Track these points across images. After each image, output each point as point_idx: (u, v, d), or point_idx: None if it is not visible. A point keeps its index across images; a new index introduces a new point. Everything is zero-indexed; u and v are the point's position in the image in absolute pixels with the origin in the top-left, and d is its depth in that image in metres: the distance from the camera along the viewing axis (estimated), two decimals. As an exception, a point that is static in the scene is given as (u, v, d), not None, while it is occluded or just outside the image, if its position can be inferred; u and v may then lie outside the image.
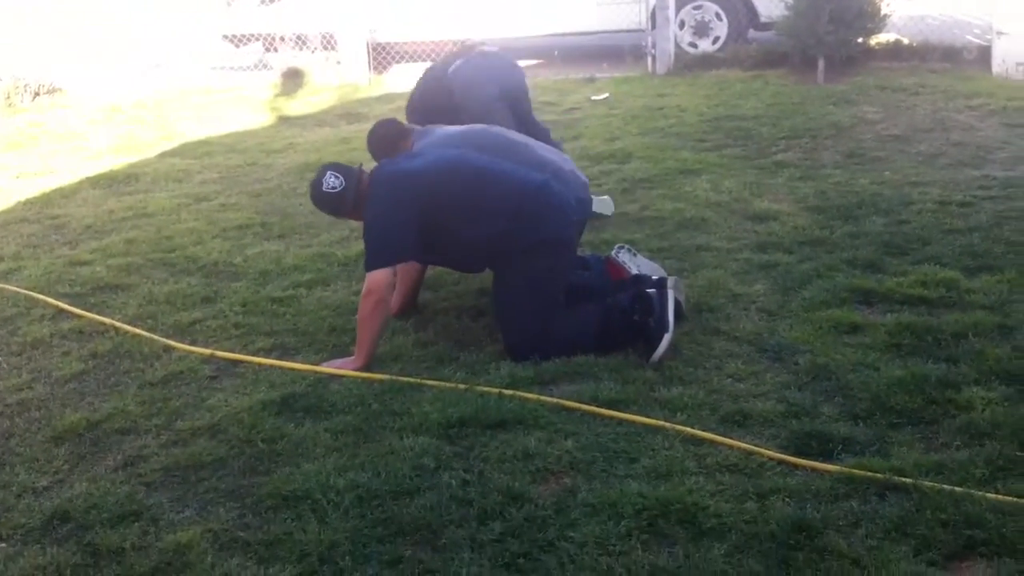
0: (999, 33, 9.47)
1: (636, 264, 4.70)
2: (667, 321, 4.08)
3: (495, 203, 4.25)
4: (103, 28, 12.05)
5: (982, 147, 7.02)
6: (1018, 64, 9.32)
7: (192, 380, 4.14)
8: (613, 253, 4.74)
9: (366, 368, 4.12)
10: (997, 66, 9.45)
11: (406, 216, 4.14)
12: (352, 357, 4.18)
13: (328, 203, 4.39)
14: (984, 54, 9.80)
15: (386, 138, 4.94)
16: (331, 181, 4.33)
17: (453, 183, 4.27)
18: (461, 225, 4.22)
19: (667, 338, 4.04)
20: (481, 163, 4.38)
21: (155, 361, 4.34)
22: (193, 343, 4.49)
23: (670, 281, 4.34)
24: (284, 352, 4.37)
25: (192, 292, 5.12)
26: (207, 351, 4.37)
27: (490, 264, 4.43)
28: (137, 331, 4.62)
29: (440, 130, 4.91)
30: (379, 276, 4.10)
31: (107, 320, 4.76)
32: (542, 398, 3.76)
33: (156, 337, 4.55)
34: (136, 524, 3.11)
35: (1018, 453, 3.21)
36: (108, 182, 7.56)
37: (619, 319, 4.19)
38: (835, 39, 9.57)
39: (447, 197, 4.22)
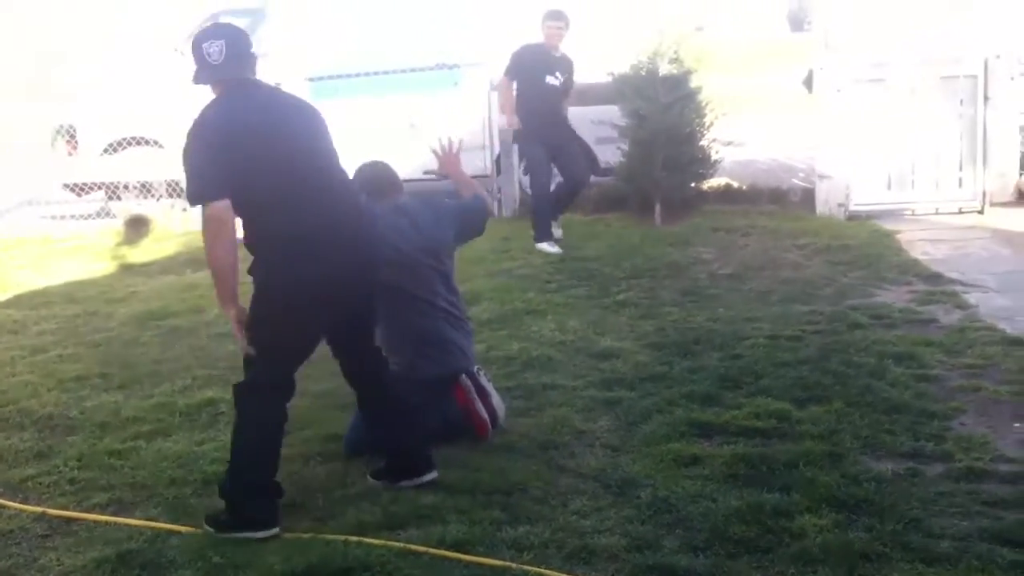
0: (821, 176, 10.08)
1: (489, 389, 4.84)
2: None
3: None
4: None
5: (809, 283, 7.40)
6: (839, 205, 9.92)
7: (23, 539, 3.99)
8: (474, 370, 4.86)
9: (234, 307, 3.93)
10: (821, 206, 10.03)
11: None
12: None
13: None
14: (808, 196, 10.39)
15: (375, 180, 4.81)
16: None
17: None
18: None
19: None
20: None
21: (-17, 521, 4.14)
22: (24, 501, 4.33)
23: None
24: (121, 507, 4.24)
25: (25, 447, 4.93)
26: (38, 509, 4.21)
27: None
28: (-32, 491, 4.42)
29: None
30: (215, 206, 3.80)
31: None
32: (389, 543, 3.74)
33: (-8, 498, 4.36)
34: None
35: (848, 577, 3.34)
36: (-63, 335, 7.27)
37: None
38: (669, 184, 10.00)
39: None
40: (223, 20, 12.42)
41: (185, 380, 5.83)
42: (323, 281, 3.92)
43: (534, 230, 9.05)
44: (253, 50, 4.07)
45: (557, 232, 9.20)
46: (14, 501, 4.32)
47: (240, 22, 12.55)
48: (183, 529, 3.97)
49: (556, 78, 9.09)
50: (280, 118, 4.02)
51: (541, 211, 9.10)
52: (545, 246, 8.85)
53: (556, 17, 9.11)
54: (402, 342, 4.73)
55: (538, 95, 9.09)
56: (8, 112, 12.02)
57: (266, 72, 11.98)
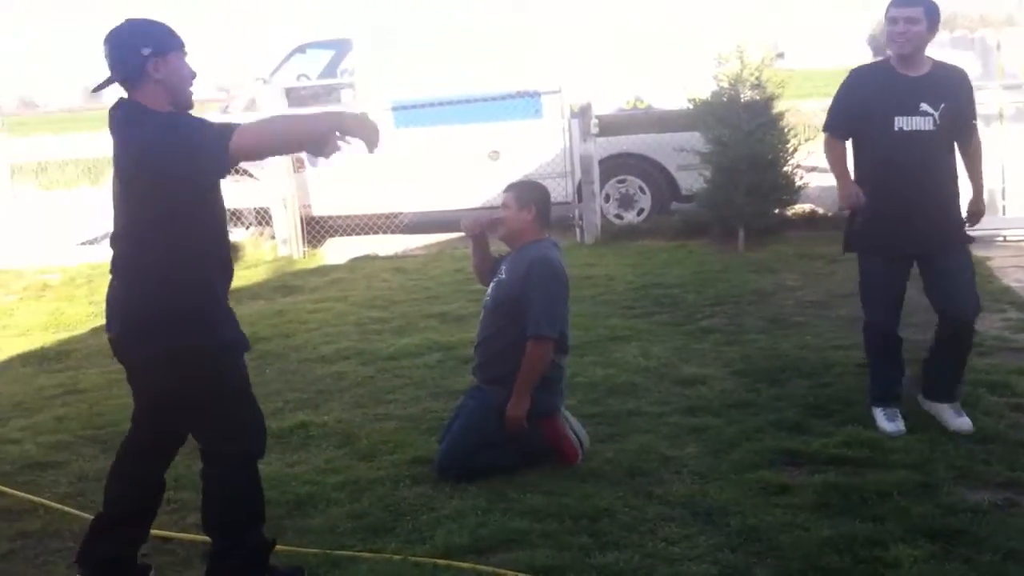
0: (906, 202, 9.93)
1: (569, 416, 4.96)
2: None
3: None
4: (33, 202, 12.08)
5: (898, 311, 7.27)
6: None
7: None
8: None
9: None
10: (906, 233, 9.87)
11: None
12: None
13: None
14: (894, 222, 10.23)
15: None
16: None
17: None
18: None
19: None
20: None
21: (85, 539, 4.26)
22: (124, 520, 4.43)
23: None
24: (217, 527, 4.32)
25: (123, 469, 5.05)
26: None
27: None
28: (67, 509, 4.56)
29: None
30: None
31: (36, 498, 4.69)
32: (478, 567, 3.77)
33: (86, 515, 4.46)
34: None
35: (945, 609, 3.29)
36: (38, 359, 7.50)
37: None
38: (752, 210, 9.97)
39: None
40: (309, 51, 12.71)
41: (276, 404, 5.94)
42: None
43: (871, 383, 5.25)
44: None
45: (959, 422, 4.90)
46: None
47: (326, 53, 12.90)
48: (279, 548, 4.04)
49: (924, 115, 4.88)
50: None
51: (873, 358, 5.26)
52: (879, 415, 5.02)
53: (904, 4, 4.83)
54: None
55: (885, 153, 4.96)
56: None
57: (352, 100, 12.14)
